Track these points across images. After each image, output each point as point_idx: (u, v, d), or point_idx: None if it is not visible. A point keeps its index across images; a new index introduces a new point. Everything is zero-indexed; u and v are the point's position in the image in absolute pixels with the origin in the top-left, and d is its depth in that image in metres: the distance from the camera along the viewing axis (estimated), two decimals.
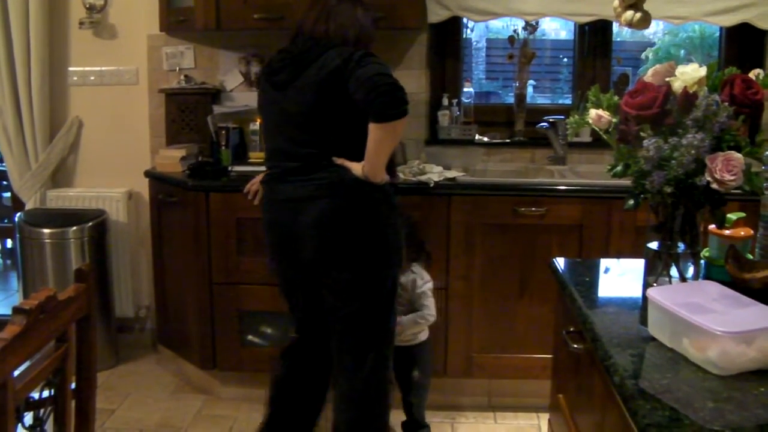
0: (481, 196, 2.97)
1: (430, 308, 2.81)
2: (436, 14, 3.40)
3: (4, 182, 4.30)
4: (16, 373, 1.32)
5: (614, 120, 1.66)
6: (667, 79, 1.54)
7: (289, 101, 2.34)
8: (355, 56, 2.21)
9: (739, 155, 1.41)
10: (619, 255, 2.79)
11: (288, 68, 2.34)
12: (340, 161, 2.30)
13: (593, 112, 1.71)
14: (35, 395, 1.47)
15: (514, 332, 3.06)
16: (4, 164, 3.77)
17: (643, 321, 1.45)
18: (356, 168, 2.28)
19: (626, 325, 1.48)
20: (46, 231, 3.40)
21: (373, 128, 2.20)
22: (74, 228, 3.40)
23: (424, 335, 2.86)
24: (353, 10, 2.38)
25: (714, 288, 1.44)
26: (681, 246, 1.56)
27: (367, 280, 2.37)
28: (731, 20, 3.29)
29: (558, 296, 1.93)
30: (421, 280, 2.83)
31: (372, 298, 2.39)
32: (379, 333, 2.44)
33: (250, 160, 3.29)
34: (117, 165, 3.70)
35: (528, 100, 3.61)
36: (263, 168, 3.17)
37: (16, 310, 1.33)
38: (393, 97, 2.16)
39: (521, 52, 3.57)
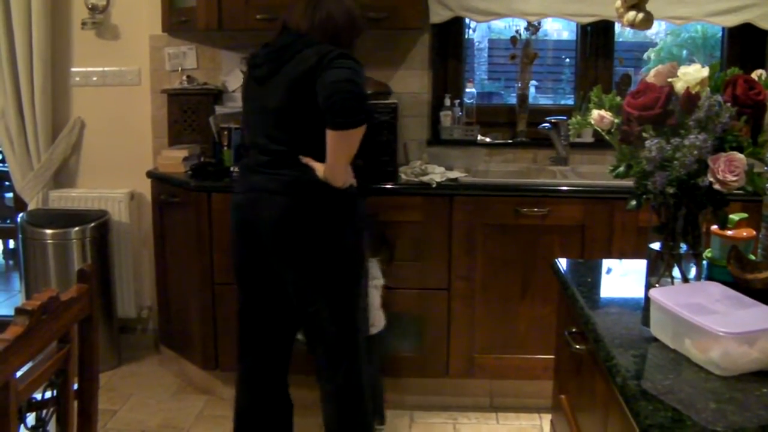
0: (483, 197, 2.97)
1: (370, 307, 2.79)
2: (438, 14, 3.40)
3: (7, 183, 4.31)
4: (19, 373, 1.33)
5: (616, 121, 1.66)
6: (670, 79, 1.54)
7: (266, 96, 2.34)
8: (330, 55, 2.19)
9: (741, 156, 1.41)
10: (621, 256, 2.79)
11: (268, 63, 2.34)
12: (306, 160, 2.29)
13: (595, 113, 1.71)
14: (38, 396, 1.47)
15: (516, 333, 3.06)
16: (6, 165, 3.77)
17: (646, 322, 1.45)
18: (320, 169, 2.28)
19: (628, 326, 1.48)
20: (49, 231, 3.40)
21: (328, 135, 2.20)
22: (76, 228, 3.41)
23: (373, 329, 2.82)
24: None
25: (716, 289, 1.44)
26: (683, 247, 1.56)
27: (325, 280, 2.36)
28: (733, 20, 3.28)
29: (560, 297, 1.93)
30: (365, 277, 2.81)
31: (333, 298, 2.38)
32: (347, 332, 2.43)
33: None
34: (119, 165, 3.70)
35: (530, 100, 3.61)
36: None
37: (19, 311, 1.33)
38: (349, 106, 2.15)
39: (523, 53, 3.57)
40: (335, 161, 2.25)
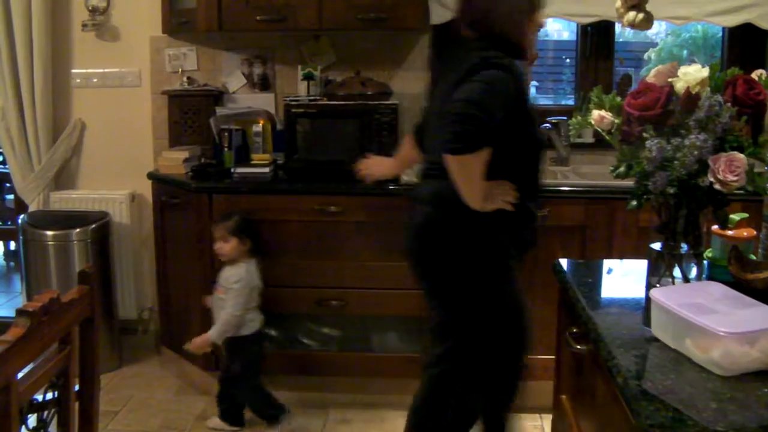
0: None
1: (230, 307, 2.81)
2: (439, 15, 3.39)
3: (8, 184, 4.31)
4: (20, 375, 1.33)
5: (617, 121, 1.66)
6: (670, 79, 1.54)
7: (431, 104, 2.31)
8: (475, 67, 2.04)
9: (741, 156, 1.41)
10: (622, 256, 2.78)
11: (433, 70, 2.34)
12: None
13: (596, 113, 1.71)
14: (39, 397, 1.48)
15: None
16: (7, 166, 3.77)
17: (646, 322, 1.45)
18: None
19: (629, 326, 1.48)
20: (49, 233, 3.40)
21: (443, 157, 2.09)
22: (77, 230, 3.41)
23: (249, 329, 2.86)
24: None
25: (717, 288, 1.44)
26: (684, 247, 1.56)
27: (444, 295, 2.34)
28: (734, 20, 3.28)
29: (560, 297, 1.93)
30: (236, 276, 2.82)
31: (452, 313, 2.35)
32: (461, 352, 2.36)
33: (253, 162, 3.28)
34: (120, 167, 3.70)
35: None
36: (266, 170, 3.17)
37: (20, 313, 1.33)
38: (459, 130, 1.99)
39: None
40: (457, 185, 2.09)
